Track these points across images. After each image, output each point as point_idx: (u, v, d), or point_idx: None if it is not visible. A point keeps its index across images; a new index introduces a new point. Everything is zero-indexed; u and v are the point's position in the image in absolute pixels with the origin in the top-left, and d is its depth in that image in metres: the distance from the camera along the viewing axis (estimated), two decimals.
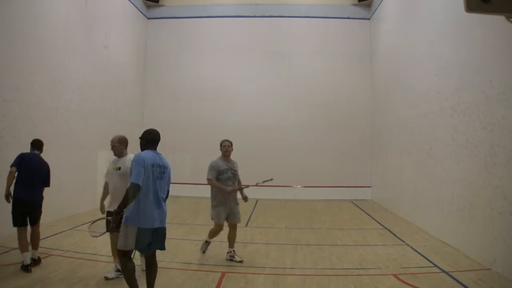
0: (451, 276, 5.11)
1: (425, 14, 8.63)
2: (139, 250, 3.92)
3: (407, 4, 10.05)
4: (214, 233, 5.84)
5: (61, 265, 5.24)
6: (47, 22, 8.39)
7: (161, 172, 3.90)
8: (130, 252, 3.86)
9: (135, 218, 3.74)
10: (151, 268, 4.09)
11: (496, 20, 4.68)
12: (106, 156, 11.44)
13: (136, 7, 13.41)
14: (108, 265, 5.35)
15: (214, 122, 13.50)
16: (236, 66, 14.10)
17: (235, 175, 5.95)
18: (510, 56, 5.25)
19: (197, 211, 10.57)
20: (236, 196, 5.89)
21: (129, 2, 12.89)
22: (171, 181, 4.16)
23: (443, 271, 5.37)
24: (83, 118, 9.89)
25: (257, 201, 11.97)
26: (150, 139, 4.02)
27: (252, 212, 10.24)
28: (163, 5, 14.49)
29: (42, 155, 5.60)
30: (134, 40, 13.45)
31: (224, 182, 5.73)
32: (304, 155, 13.37)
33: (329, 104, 13.70)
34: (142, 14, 14.04)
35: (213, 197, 5.79)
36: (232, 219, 5.79)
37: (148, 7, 14.40)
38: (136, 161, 3.77)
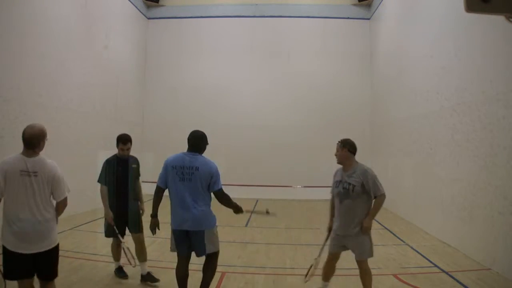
0: (451, 276, 5.11)
1: (425, 14, 8.63)
2: (179, 252, 3.89)
3: (407, 4, 10.05)
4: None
5: (61, 265, 5.17)
6: (47, 22, 8.39)
7: (187, 173, 3.77)
8: (178, 255, 3.92)
9: (171, 220, 3.86)
10: (204, 272, 4.00)
11: (496, 20, 4.69)
12: (106, 156, 11.46)
13: (136, 7, 13.40)
14: (108, 265, 5.35)
15: (214, 121, 13.48)
16: (236, 66, 14.09)
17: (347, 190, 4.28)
18: (510, 56, 5.25)
19: None
20: None
21: (129, 2, 12.88)
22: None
23: (443, 271, 5.37)
24: (83, 118, 9.89)
25: (256, 201, 11.97)
26: (188, 141, 4.07)
27: (252, 212, 10.22)
28: (163, 5, 14.49)
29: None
30: (134, 40, 13.45)
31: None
32: (304, 155, 13.37)
33: (329, 104, 13.70)
34: (142, 14, 14.04)
35: None
36: None
37: (148, 7, 14.40)
38: (163, 164, 3.99)
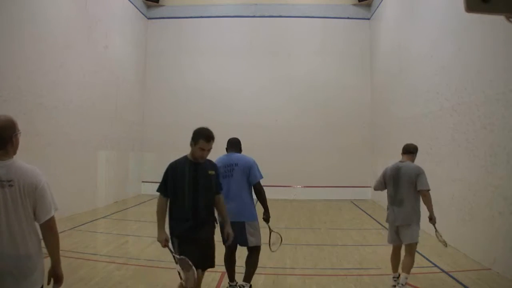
0: (451, 276, 5.11)
1: (425, 14, 8.63)
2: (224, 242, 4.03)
3: (407, 4, 10.05)
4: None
5: (61, 265, 5.22)
6: (47, 22, 8.39)
7: (229, 170, 4.20)
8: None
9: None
10: (246, 262, 4.34)
11: (496, 20, 4.69)
12: (106, 156, 11.52)
13: (136, 7, 13.41)
14: (109, 265, 5.35)
15: (214, 121, 13.31)
16: (235, 66, 14.10)
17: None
18: (510, 56, 5.25)
19: None
20: None
21: (129, 2, 12.88)
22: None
23: (443, 271, 5.37)
24: (83, 118, 9.88)
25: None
26: (227, 146, 4.50)
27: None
28: (163, 5, 14.49)
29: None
30: (134, 40, 13.45)
31: None
32: (304, 155, 13.37)
33: (329, 104, 13.70)
34: (142, 14, 14.04)
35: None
36: None
37: (148, 7, 14.40)
38: None
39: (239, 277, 4.47)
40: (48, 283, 2.36)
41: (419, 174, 4.58)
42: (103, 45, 10.97)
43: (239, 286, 4.36)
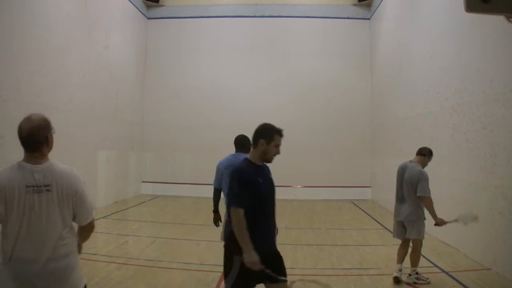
0: (451, 276, 5.11)
1: (425, 14, 8.63)
2: None
3: (407, 4, 10.05)
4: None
5: None
6: (47, 22, 8.39)
7: None
8: None
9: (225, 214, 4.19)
10: None
11: (496, 20, 4.68)
12: (106, 156, 11.51)
13: (136, 7, 13.40)
14: (109, 265, 5.35)
15: (213, 121, 13.50)
16: (235, 66, 14.09)
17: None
18: (510, 56, 5.25)
19: (198, 211, 10.56)
20: None
21: (129, 2, 12.88)
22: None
23: (443, 271, 5.37)
24: (83, 118, 9.88)
25: None
26: (234, 144, 4.49)
27: None
28: (163, 5, 14.49)
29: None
30: (134, 40, 13.45)
31: None
32: (304, 155, 13.36)
33: (329, 104, 13.69)
34: (142, 14, 14.04)
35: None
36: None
37: (148, 7, 14.40)
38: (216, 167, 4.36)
39: None
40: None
41: (420, 180, 4.68)
42: (103, 45, 10.96)
43: None
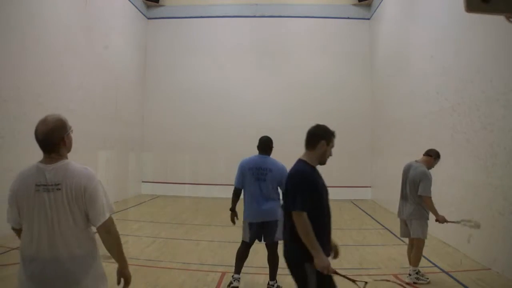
0: (451, 276, 5.11)
1: (425, 14, 8.63)
2: (249, 240, 4.51)
3: (407, 4, 10.05)
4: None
5: None
6: (47, 22, 8.39)
7: (263, 174, 4.43)
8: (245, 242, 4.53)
9: (245, 214, 4.51)
10: (270, 260, 4.55)
11: (496, 20, 4.68)
12: (106, 156, 11.51)
13: (136, 7, 13.41)
14: (109, 265, 5.34)
15: (213, 121, 13.49)
16: (235, 66, 14.09)
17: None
18: (510, 56, 5.25)
19: (198, 211, 10.56)
20: None
21: (129, 2, 12.88)
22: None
23: (443, 271, 5.37)
24: (83, 118, 9.87)
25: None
26: (258, 146, 4.65)
27: None
28: (163, 5, 14.49)
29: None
30: (134, 40, 13.45)
31: None
32: None
33: (329, 104, 13.67)
34: (142, 14, 14.04)
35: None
36: None
37: (148, 7, 14.40)
38: (238, 167, 4.59)
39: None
40: (118, 283, 2.35)
41: (421, 179, 4.74)
42: (103, 45, 10.96)
43: (270, 285, 4.59)
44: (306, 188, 2.71)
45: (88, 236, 2.22)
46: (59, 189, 2.10)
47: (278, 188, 4.47)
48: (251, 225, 4.45)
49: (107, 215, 2.21)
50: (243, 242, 4.57)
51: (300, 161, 2.89)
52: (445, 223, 4.81)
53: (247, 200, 4.50)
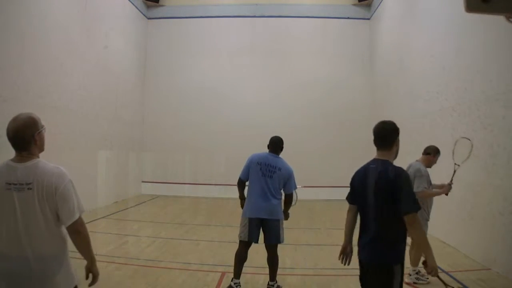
0: (451, 276, 5.10)
1: (425, 14, 8.63)
2: (248, 238, 4.38)
3: (407, 4, 10.05)
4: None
5: None
6: (47, 22, 8.39)
7: (271, 171, 4.41)
8: (243, 242, 4.41)
9: (245, 209, 4.43)
10: (269, 261, 4.51)
11: (496, 20, 4.68)
12: (106, 156, 11.51)
13: (136, 7, 13.40)
14: (109, 265, 5.35)
15: (213, 121, 13.49)
16: (235, 65, 14.09)
17: None
18: (510, 56, 5.25)
19: (198, 211, 10.56)
20: None
21: (129, 2, 12.88)
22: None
23: (443, 271, 5.36)
24: (83, 118, 9.89)
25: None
26: (268, 146, 4.66)
27: None
28: (163, 5, 14.49)
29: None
30: (134, 40, 13.45)
31: None
32: (304, 155, 13.33)
33: (329, 104, 13.69)
34: (142, 14, 14.04)
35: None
36: None
37: (148, 7, 14.40)
38: (247, 160, 4.57)
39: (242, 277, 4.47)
40: (86, 278, 2.34)
41: (415, 176, 4.72)
42: (103, 45, 10.96)
43: (269, 285, 4.56)
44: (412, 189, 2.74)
45: (59, 236, 2.20)
46: (30, 189, 2.08)
47: (281, 190, 4.48)
48: (251, 220, 4.37)
49: (78, 215, 2.20)
50: (240, 243, 4.49)
51: (388, 162, 2.80)
52: (451, 187, 4.79)
53: (250, 196, 4.46)
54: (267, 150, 4.69)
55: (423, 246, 2.60)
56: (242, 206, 4.59)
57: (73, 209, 2.18)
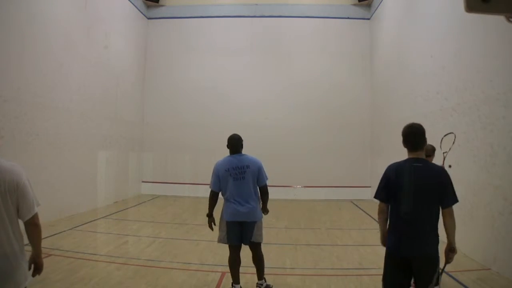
0: (451, 276, 5.10)
1: (425, 14, 8.63)
2: (231, 242, 4.33)
3: (407, 4, 10.05)
4: None
5: (61, 265, 5.22)
6: (47, 22, 8.39)
7: (241, 173, 4.30)
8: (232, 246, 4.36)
9: (224, 213, 4.38)
10: (254, 260, 4.48)
11: (496, 20, 4.69)
12: (106, 156, 11.51)
13: (136, 7, 13.40)
14: (109, 265, 5.35)
15: (213, 121, 13.48)
16: (235, 65, 14.08)
17: None
18: (510, 56, 5.24)
19: (198, 211, 10.54)
20: None
21: (129, 2, 12.88)
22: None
23: (443, 271, 5.36)
24: (83, 118, 9.89)
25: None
26: (228, 147, 4.49)
27: None
28: (163, 5, 14.49)
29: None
30: (134, 40, 13.45)
31: None
32: (304, 155, 13.37)
33: (329, 104, 13.69)
34: (142, 14, 14.04)
35: None
36: None
37: (148, 7, 14.40)
38: (213, 170, 4.44)
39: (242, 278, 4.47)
40: (29, 269, 2.37)
41: None
42: (103, 45, 10.97)
43: (258, 285, 4.51)
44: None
45: (19, 232, 2.27)
46: None
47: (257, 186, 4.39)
48: (229, 224, 4.30)
49: (36, 209, 2.29)
50: (230, 247, 4.39)
51: (427, 161, 3.24)
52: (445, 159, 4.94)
53: (227, 202, 4.37)
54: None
55: (453, 235, 2.92)
56: (209, 225, 4.49)
57: (32, 203, 2.27)
